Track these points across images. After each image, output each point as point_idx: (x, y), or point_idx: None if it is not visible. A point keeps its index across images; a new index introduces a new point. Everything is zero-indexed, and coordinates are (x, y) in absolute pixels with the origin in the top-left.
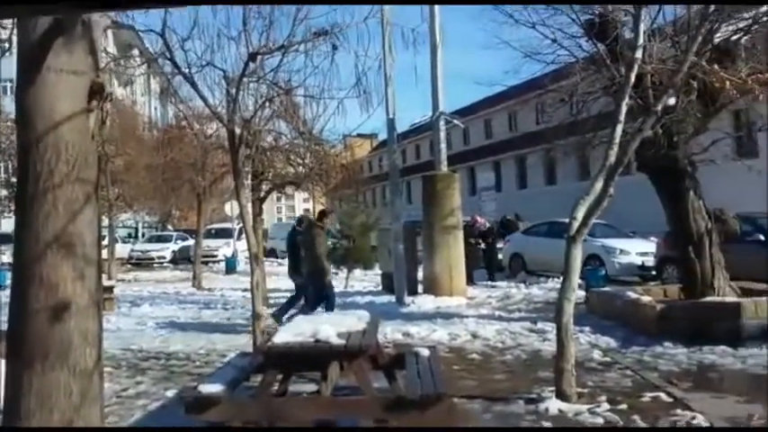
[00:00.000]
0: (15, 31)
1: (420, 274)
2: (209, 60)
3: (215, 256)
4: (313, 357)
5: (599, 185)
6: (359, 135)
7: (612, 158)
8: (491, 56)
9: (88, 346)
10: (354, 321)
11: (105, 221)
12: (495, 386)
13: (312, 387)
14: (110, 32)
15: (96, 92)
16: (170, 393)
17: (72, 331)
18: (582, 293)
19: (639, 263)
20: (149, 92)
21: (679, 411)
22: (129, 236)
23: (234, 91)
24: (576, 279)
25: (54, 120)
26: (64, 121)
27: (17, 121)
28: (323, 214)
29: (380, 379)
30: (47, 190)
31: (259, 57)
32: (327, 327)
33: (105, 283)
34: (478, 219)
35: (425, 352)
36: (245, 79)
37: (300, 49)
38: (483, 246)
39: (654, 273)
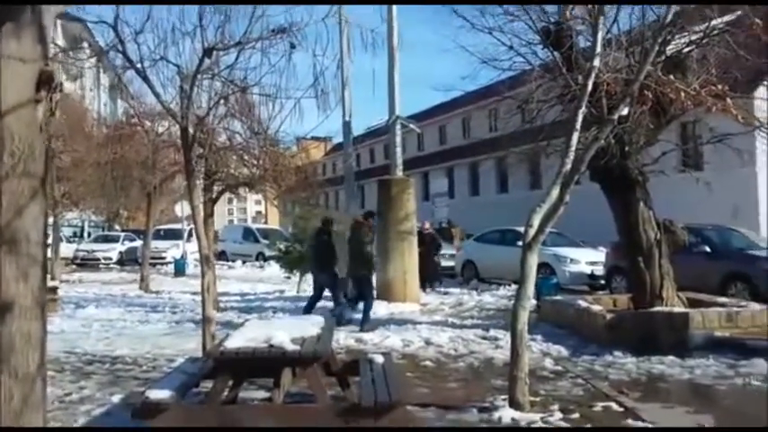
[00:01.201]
0: None
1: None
2: (162, 55)
3: (163, 258)
4: (266, 363)
5: (555, 193)
6: (314, 138)
7: (568, 166)
8: (449, 60)
9: (31, 349)
10: (309, 327)
11: (50, 219)
12: (448, 394)
13: (263, 394)
14: (59, 24)
15: (45, 81)
16: (115, 399)
17: (14, 334)
18: (534, 302)
19: (589, 272)
20: (98, 86)
21: (630, 421)
22: (75, 235)
23: (188, 87)
24: (531, 287)
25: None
26: (9, 111)
27: None
28: (370, 215)
29: (333, 385)
30: None
31: (215, 53)
32: (281, 332)
33: (49, 283)
34: (426, 224)
35: (380, 358)
36: (199, 76)
37: (257, 46)
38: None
39: (603, 282)
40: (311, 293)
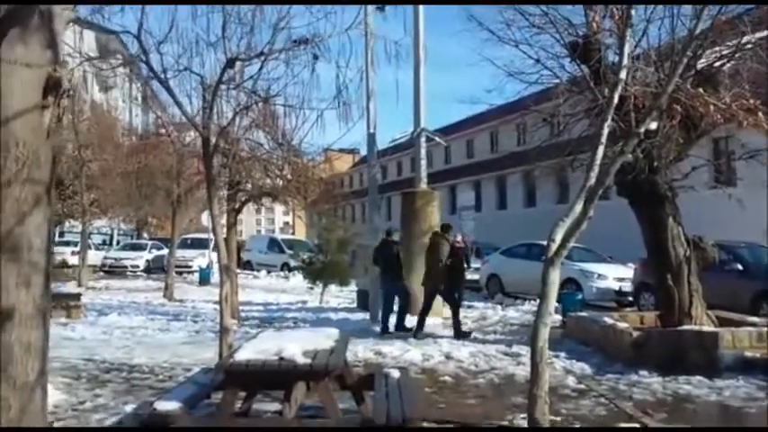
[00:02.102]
0: None
1: None
2: (186, 65)
3: (189, 267)
4: (276, 376)
5: (578, 207)
6: (341, 150)
7: (593, 180)
8: (474, 74)
9: (30, 358)
10: (322, 339)
11: (79, 227)
12: (466, 411)
13: (277, 406)
14: (92, 36)
15: (53, 87)
16: (129, 408)
17: (13, 342)
18: (558, 317)
19: (617, 288)
20: (130, 98)
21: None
22: (104, 243)
23: (209, 97)
24: (552, 303)
25: (5, 114)
26: (15, 117)
27: None
28: (447, 227)
29: (347, 400)
30: None
31: (238, 63)
32: (293, 345)
33: (73, 290)
34: (458, 237)
35: (395, 373)
36: (222, 86)
37: (280, 57)
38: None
39: (631, 299)
40: (383, 307)
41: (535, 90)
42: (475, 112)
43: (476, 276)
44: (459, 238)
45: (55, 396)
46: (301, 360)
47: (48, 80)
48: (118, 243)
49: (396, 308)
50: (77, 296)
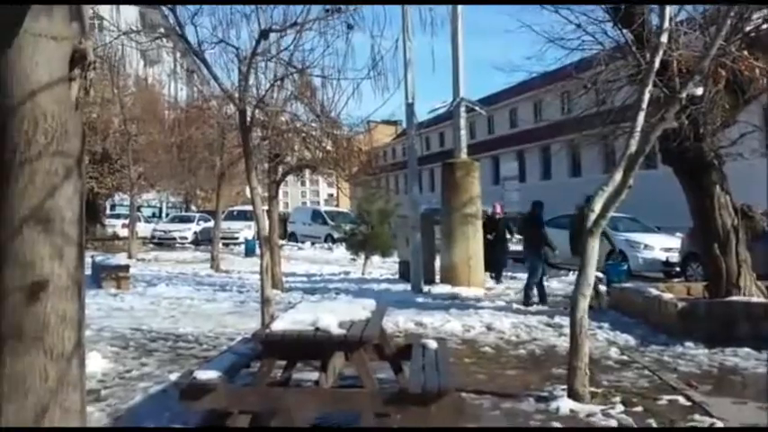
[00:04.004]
0: None
1: (438, 263)
2: (221, 37)
3: (236, 239)
4: (312, 347)
5: (618, 176)
6: (384, 121)
7: (633, 148)
8: (512, 40)
9: (66, 328)
10: (358, 310)
11: (127, 200)
12: (505, 382)
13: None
14: (136, 11)
15: (79, 59)
16: (173, 377)
17: (48, 313)
18: (603, 288)
19: (664, 258)
20: (174, 72)
21: (697, 416)
22: (153, 215)
23: (245, 69)
24: (592, 273)
25: (31, 88)
26: (42, 90)
27: None
28: (538, 204)
29: (386, 370)
30: (23, 163)
31: (273, 34)
32: (329, 315)
33: (121, 262)
34: (497, 208)
35: (433, 344)
36: (258, 58)
37: (315, 27)
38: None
39: (678, 269)
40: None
41: (577, 57)
42: (517, 80)
43: (519, 247)
44: (497, 208)
45: (103, 364)
46: (336, 331)
47: (74, 53)
48: (167, 215)
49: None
50: (126, 267)
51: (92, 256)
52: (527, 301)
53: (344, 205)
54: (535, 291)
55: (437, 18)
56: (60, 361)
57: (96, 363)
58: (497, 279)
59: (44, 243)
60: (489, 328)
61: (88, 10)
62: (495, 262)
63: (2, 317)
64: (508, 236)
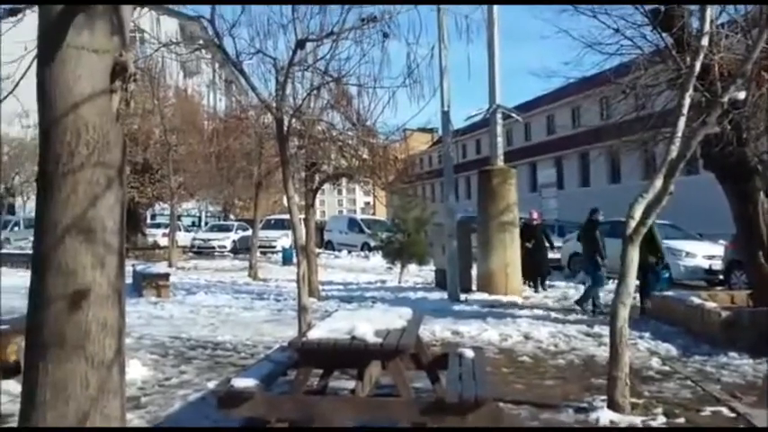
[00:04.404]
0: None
1: (475, 272)
2: (258, 48)
3: (273, 247)
4: (348, 355)
5: (659, 182)
6: (420, 129)
7: (674, 154)
8: (549, 46)
9: (107, 336)
10: (395, 319)
11: (168, 209)
12: (544, 392)
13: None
14: (176, 24)
15: (120, 72)
16: (211, 384)
17: (90, 321)
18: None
19: (706, 266)
20: (213, 82)
21: (741, 428)
22: (193, 224)
23: (282, 79)
24: (632, 282)
25: (74, 99)
26: (84, 101)
27: (38, 100)
28: (595, 211)
29: (423, 379)
30: (66, 173)
31: (309, 44)
32: (365, 324)
33: (162, 270)
34: (534, 214)
35: (470, 353)
36: (294, 68)
37: (350, 36)
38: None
39: (721, 277)
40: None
41: (615, 61)
42: (553, 87)
43: (557, 255)
44: (535, 215)
45: (143, 372)
46: (372, 339)
47: (114, 65)
48: (206, 224)
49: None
50: (166, 276)
51: (133, 265)
52: (595, 309)
53: (381, 213)
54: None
55: (473, 25)
56: (101, 368)
57: (136, 370)
58: (536, 287)
59: (86, 252)
60: (527, 337)
61: (129, 23)
62: (535, 270)
63: (44, 324)
64: (546, 243)
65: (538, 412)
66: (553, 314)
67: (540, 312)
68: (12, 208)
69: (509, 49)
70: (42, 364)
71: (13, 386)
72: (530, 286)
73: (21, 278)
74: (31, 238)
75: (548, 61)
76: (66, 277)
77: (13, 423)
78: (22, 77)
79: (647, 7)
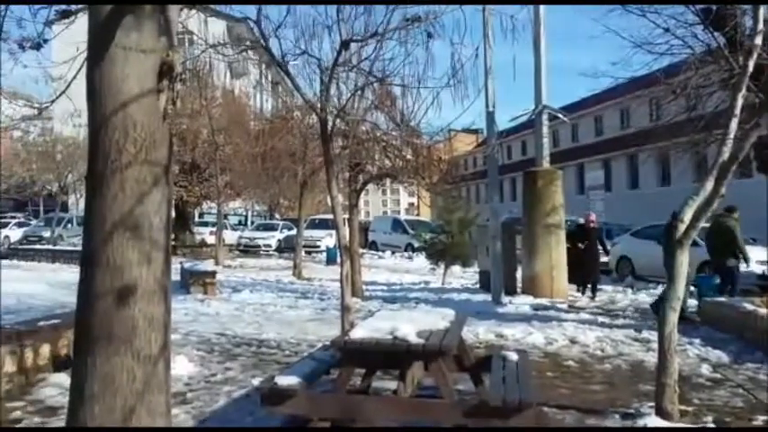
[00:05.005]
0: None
1: (519, 274)
2: (303, 49)
3: (317, 247)
4: (389, 355)
5: (709, 185)
6: (463, 130)
7: (726, 156)
8: (597, 46)
9: (153, 331)
10: (438, 320)
11: (215, 208)
12: (590, 397)
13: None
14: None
15: (166, 71)
16: (256, 381)
17: (137, 316)
18: (694, 302)
19: (759, 272)
20: (259, 83)
21: None
22: (239, 223)
23: (327, 79)
24: (681, 287)
25: (122, 98)
26: (132, 101)
27: (87, 99)
28: (731, 209)
29: (466, 381)
30: (114, 171)
31: (353, 45)
32: (407, 324)
33: (209, 268)
34: (590, 217)
35: (514, 356)
36: (339, 68)
37: (395, 37)
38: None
39: None
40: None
41: (665, 61)
42: (601, 87)
43: (605, 258)
44: (592, 217)
45: (189, 368)
46: (414, 340)
47: (162, 65)
48: (252, 223)
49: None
50: (213, 274)
51: (180, 263)
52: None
53: (425, 214)
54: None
55: (518, 25)
56: (147, 363)
57: (183, 366)
58: (584, 292)
59: (133, 248)
60: (573, 341)
61: (176, 24)
62: (586, 274)
63: (92, 319)
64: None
65: (583, 417)
66: (600, 318)
67: (586, 316)
68: (65, 205)
69: (555, 49)
70: (90, 358)
71: (64, 379)
72: (578, 290)
73: (72, 274)
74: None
75: (595, 61)
76: (114, 273)
77: (63, 416)
78: (74, 78)
79: (699, 6)
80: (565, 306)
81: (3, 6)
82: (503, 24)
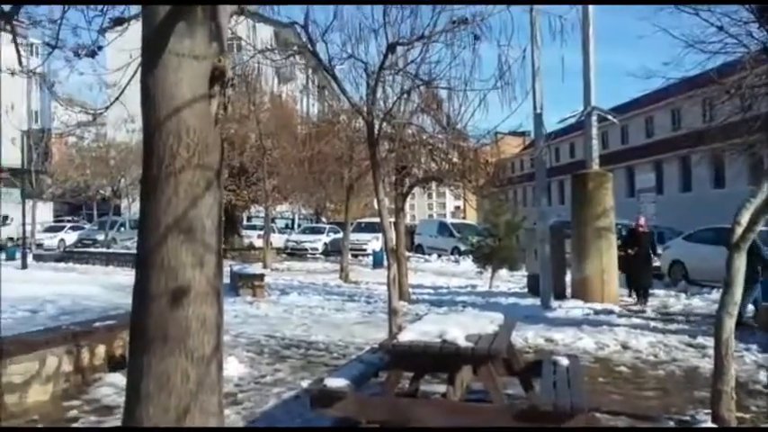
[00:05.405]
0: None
1: (569, 278)
2: (350, 53)
3: (364, 250)
4: (438, 359)
5: (767, 187)
6: (510, 132)
7: None
8: (647, 45)
9: (206, 333)
10: (486, 324)
11: (263, 211)
12: (643, 403)
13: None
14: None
15: (218, 77)
16: (305, 383)
17: (190, 317)
18: (751, 308)
19: None
20: (306, 87)
21: None
22: (287, 226)
23: (373, 83)
24: (738, 291)
25: (175, 104)
26: (185, 106)
27: (142, 105)
28: None
29: (516, 386)
30: (168, 175)
31: (400, 48)
32: (456, 328)
33: (257, 271)
34: (641, 220)
35: (564, 361)
36: (385, 71)
37: (441, 39)
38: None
39: None
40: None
41: (719, 61)
42: (652, 88)
43: (657, 263)
44: (641, 222)
45: (240, 369)
46: (463, 344)
47: (213, 71)
48: (299, 227)
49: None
50: (262, 276)
51: (230, 266)
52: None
53: (471, 217)
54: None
55: (567, 25)
56: (200, 364)
57: (233, 367)
58: (639, 297)
59: (186, 251)
60: (625, 346)
61: (227, 30)
62: (638, 279)
63: (148, 320)
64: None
65: (636, 423)
66: (652, 323)
67: (638, 321)
68: (118, 209)
69: (604, 50)
70: (146, 358)
71: (119, 379)
72: (630, 295)
73: (125, 277)
74: (136, 239)
75: (646, 61)
76: (168, 275)
77: (119, 414)
78: (127, 84)
79: (754, 4)
80: (616, 311)
81: (59, 15)
82: (551, 25)
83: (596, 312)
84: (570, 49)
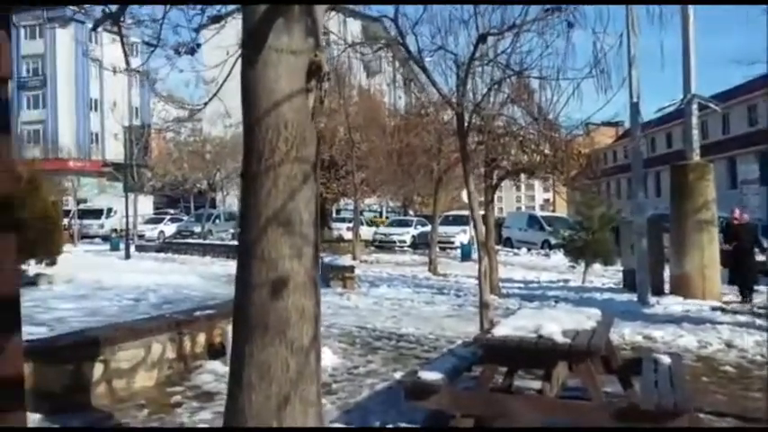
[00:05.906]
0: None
1: (667, 273)
2: (440, 44)
3: (452, 243)
4: (533, 354)
5: None
6: (603, 123)
7: None
8: (752, 29)
9: (305, 323)
10: (583, 319)
11: (353, 205)
12: (750, 404)
13: (539, 384)
14: (357, 24)
15: (315, 71)
16: (397, 375)
17: (289, 308)
18: None
19: None
20: (393, 80)
21: None
22: (372, 220)
23: (462, 74)
24: None
25: (274, 99)
26: (284, 100)
27: (242, 100)
28: None
29: (614, 383)
30: (268, 168)
31: (490, 38)
32: (551, 323)
33: (347, 263)
34: (736, 213)
35: (666, 359)
36: (476, 63)
37: (533, 28)
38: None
39: None
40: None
41: None
42: (756, 74)
43: (761, 257)
44: (736, 214)
45: (333, 360)
46: (560, 339)
47: (310, 65)
48: (387, 219)
49: None
50: (352, 268)
51: (321, 257)
52: None
53: (560, 210)
54: None
55: (665, 10)
56: (300, 354)
57: (327, 357)
58: (743, 294)
59: (285, 243)
60: (729, 345)
61: (322, 25)
62: (741, 275)
63: (249, 310)
64: (756, 247)
65: (743, 426)
66: (758, 321)
67: (743, 319)
68: (213, 202)
69: (705, 34)
70: (248, 347)
71: (219, 366)
72: (738, 292)
73: (221, 267)
74: (231, 230)
75: (750, 46)
76: (268, 266)
77: (219, 401)
78: (225, 80)
79: None
80: (718, 308)
81: (161, 14)
82: (649, 11)
83: (697, 309)
84: (669, 35)
